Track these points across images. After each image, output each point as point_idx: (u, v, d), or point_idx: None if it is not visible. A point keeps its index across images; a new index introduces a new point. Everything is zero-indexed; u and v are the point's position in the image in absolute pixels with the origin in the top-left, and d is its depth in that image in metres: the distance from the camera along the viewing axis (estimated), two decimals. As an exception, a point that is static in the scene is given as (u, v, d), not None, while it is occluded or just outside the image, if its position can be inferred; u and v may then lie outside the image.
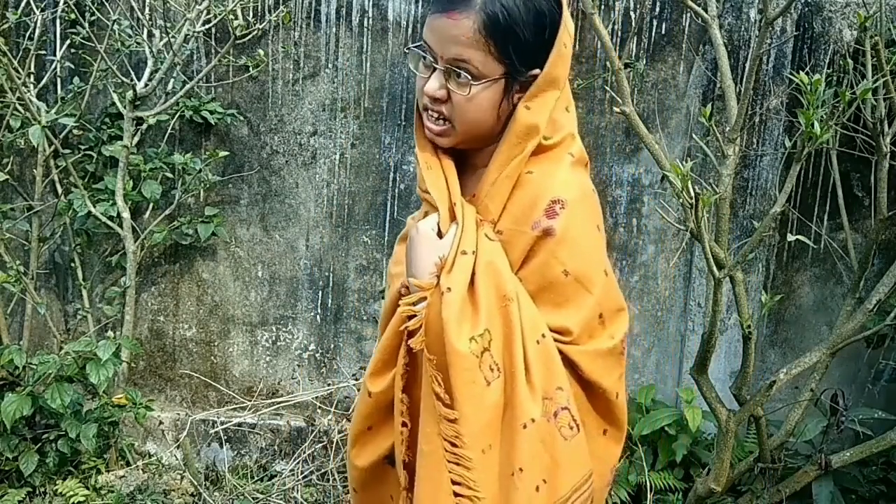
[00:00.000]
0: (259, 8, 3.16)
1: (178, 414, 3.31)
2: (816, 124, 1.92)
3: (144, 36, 3.10)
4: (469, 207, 1.25)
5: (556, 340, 1.23)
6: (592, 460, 1.26)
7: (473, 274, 1.20)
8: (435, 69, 1.21)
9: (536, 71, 1.22)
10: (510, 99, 1.23)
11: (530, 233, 1.21)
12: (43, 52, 3.16)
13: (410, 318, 1.23)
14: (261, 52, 3.14)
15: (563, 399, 1.20)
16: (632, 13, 3.12)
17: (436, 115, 1.24)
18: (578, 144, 1.30)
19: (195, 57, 3.22)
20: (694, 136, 2.97)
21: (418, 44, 1.25)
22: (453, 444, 1.17)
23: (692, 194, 1.87)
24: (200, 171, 3.13)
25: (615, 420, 1.31)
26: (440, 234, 1.25)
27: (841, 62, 2.92)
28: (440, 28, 1.19)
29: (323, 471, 3.08)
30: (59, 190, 3.18)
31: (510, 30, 1.17)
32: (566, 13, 1.23)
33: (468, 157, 1.31)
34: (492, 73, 1.19)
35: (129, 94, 3.01)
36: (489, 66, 1.18)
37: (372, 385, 1.31)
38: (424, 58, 1.23)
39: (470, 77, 1.18)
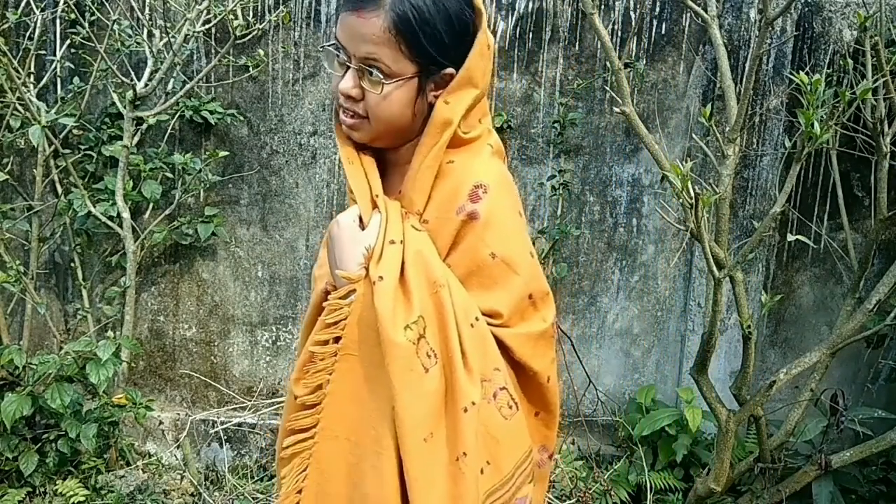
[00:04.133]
0: (259, 8, 3.16)
1: (178, 414, 3.31)
2: (816, 124, 1.92)
3: (144, 36, 3.10)
4: (392, 202, 1.25)
5: (487, 324, 1.23)
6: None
7: (403, 263, 1.19)
8: (349, 67, 1.21)
9: (451, 70, 1.22)
10: (425, 97, 1.23)
11: (456, 218, 1.22)
12: (43, 52, 3.16)
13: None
14: (261, 52, 3.14)
15: (500, 380, 1.22)
16: (632, 13, 3.12)
17: (351, 112, 1.24)
18: (495, 137, 1.32)
19: (195, 57, 3.22)
20: (694, 136, 2.97)
21: (331, 42, 1.24)
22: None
23: (692, 194, 1.87)
24: (200, 171, 3.13)
25: (547, 404, 1.32)
26: (362, 227, 1.24)
27: (841, 62, 2.92)
28: (351, 26, 1.19)
29: (323, 471, 3.08)
30: (59, 190, 3.17)
31: (420, 29, 1.17)
32: (483, 20, 1.24)
33: (390, 156, 1.31)
34: (404, 72, 1.19)
35: (129, 94, 3.01)
36: (401, 64, 1.18)
37: (298, 388, 1.27)
38: (338, 56, 1.23)
39: (382, 76, 1.18)
